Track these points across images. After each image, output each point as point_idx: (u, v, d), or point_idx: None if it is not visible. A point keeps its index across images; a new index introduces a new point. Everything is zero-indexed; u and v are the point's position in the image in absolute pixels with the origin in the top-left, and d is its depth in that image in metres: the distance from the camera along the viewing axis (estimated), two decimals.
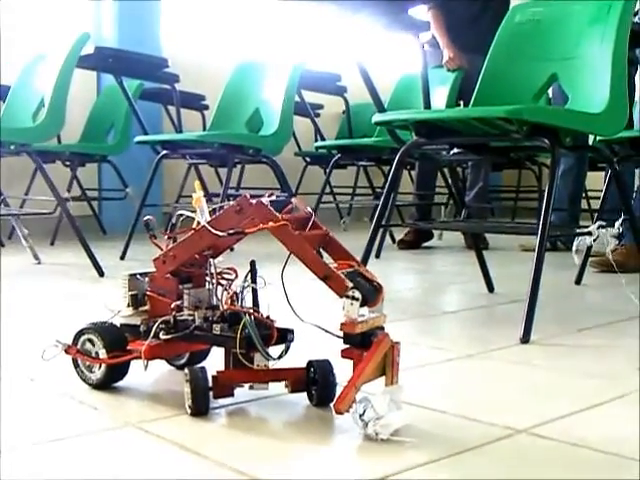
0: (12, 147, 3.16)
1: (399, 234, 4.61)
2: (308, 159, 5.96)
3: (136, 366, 1.38)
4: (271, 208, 1.24)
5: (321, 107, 6.02)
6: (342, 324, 1.18)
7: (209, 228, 1.28)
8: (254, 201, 1.25)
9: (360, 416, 1.13)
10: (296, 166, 5.79)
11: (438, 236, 4.81)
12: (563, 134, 2.13)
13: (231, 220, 1.27)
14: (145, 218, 1.41)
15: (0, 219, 4.09)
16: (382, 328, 1.22)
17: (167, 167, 5.39)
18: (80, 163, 4.87)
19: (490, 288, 2.68)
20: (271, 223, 1.22)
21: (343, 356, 1.21)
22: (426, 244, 4.59)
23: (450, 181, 3.61)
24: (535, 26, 2.50)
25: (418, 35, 2.86)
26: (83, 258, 3.11)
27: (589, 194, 5.34)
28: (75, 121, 4.67)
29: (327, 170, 4.65)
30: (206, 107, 5.45)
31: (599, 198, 3.04)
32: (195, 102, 5.35)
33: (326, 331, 1.25)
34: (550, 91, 3.51)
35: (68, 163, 4.85)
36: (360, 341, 1.19)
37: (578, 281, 2.89)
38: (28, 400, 1.37)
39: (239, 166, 5.59)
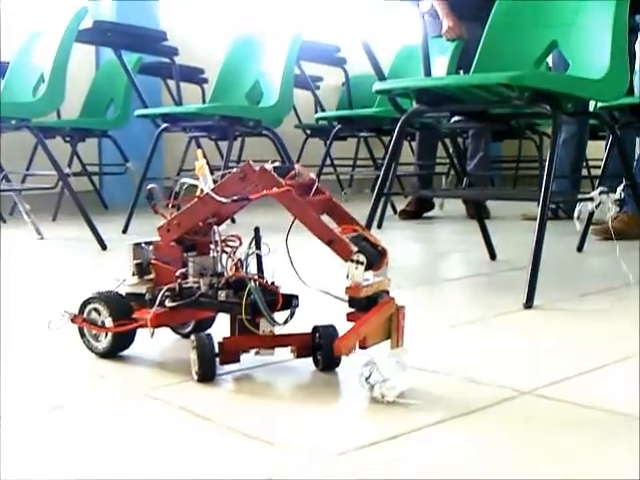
0: (13, 122, 3.16)
1: (400, 204, 4.61)
2: (308, 131, 5.95)
3: (142, 335, 1.39)
4: (274, 174, 1.24)
5: (321, 79, 6.00)
6: (347, 288, 1.19)
7: (213, 195, 1.28)
8: (257, 168, 1.25)
9: (366, 379, 1.14)
10: (297, 139, 5.78)
11: (439, 206, 4.81)
12: (564, 100, 2.13)
13: (235, 187, 1.27)
14: (148, 187, 1.41)
15: (1, 195, 4.09)
16: (387, 292, 1.23)
17: (167, 141, 5.39)
18: (80, 138, 4.86)
19: (492, 256, 2.69)
20: (275, 189, 1.22)
21: (349, 319, 1.22)
22: (427, 214, 4.59)
23: (451, 150, 3.60)
24: None
25: (418, 4, 2.86)
26: (85, 232, 3.12)
27: (590, 163, 5.33)
28: (75, 96, 4.65)
29: (328, 142, 4.64)
30: (205, 80, 5.43)
31: (599, 167, 3.04)
32: (194, 75, 5.33)
33: (332, 295, 1.26)
34: (550, 59, 3.50)
35: (68, 139, 4.84)
36: (365, 304, 1.19)
37: (580, 248, 2.90)
38: (36, 370, 1.38)
39: (239, 139, 5.59)
